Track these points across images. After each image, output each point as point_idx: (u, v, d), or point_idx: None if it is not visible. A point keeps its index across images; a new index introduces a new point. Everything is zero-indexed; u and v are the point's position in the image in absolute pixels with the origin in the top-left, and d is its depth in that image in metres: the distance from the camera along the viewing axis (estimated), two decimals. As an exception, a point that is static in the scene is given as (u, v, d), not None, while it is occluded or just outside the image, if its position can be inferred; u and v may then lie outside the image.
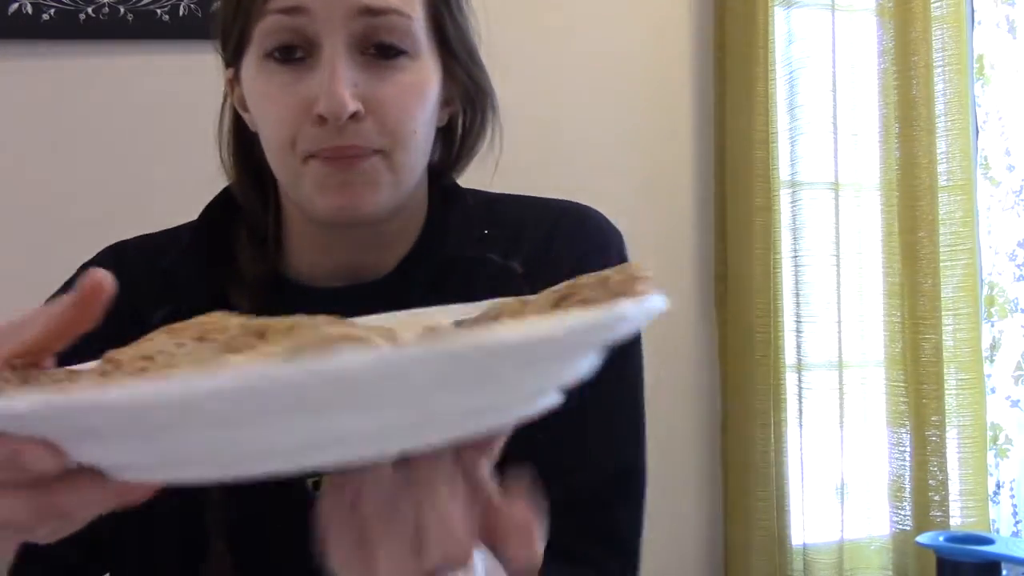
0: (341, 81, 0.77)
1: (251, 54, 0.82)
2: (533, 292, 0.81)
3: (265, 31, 0.79)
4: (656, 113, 1.96)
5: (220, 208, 0.90)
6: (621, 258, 0.90)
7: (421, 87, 0.82)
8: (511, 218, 0.92)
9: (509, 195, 0.95)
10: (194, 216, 0.90)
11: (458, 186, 0.93)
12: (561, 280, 0.81)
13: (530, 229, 0.91)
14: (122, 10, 1.69)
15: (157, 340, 0.55)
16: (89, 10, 1.68)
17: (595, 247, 0.90)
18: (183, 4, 1.71)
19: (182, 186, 1.73)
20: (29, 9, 1.66)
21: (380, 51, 0.80)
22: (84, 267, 0.90)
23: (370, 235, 0.85)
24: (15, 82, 1.69)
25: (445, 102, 0.87)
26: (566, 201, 0.95)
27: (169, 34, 1.71)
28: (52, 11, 1.67)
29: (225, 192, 0.92)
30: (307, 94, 0.78)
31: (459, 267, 0.87)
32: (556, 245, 0.90)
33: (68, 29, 1.68)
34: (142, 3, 1.70)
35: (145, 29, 1.70)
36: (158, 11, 1.71)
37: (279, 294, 0.87)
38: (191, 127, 1.72)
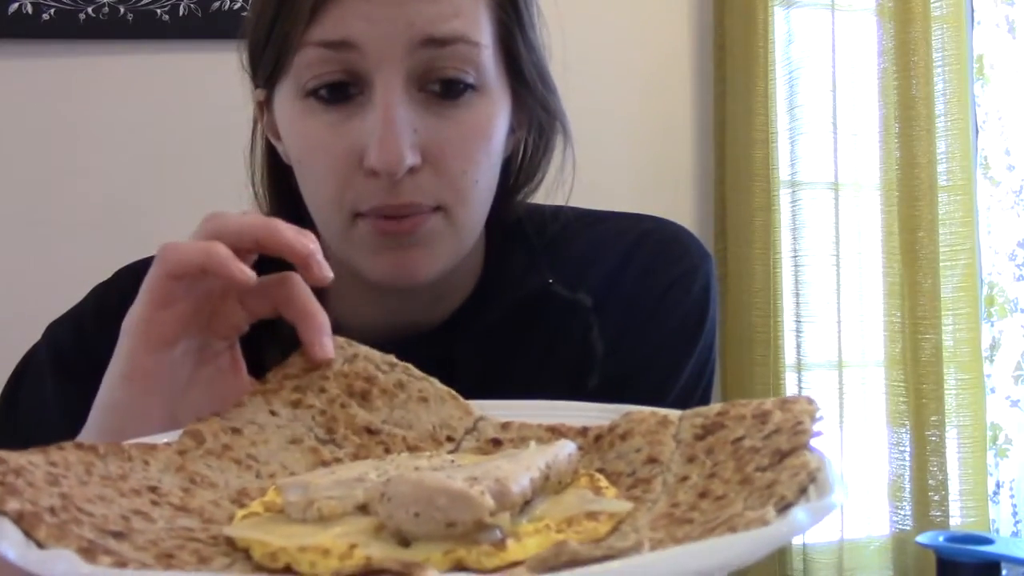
0: (397, 130, 0.66)
1: (287, 86, 0.70)
2: (604, 327, 0.77)
3: (305, 65, 0.67)
4: (656, 113, 1.96)
5: None
6: (706, 288, 0.80)
7: (487, 127, 0.70)
8: (579, 241, 0.81)
9: (577, 211, 0.83)
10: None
11: (520, 219, 0.81)
12: (636, 316, 0.78)
13: (601, 253, 0.80)
14: (122, 10, 1.69)
15: (249, 406, 0.54)
16: (89, 10, 1.68)
17: (678, 278, 0.79)
18: (183, 4, 1.71)
19: (183, 186, 1.73)
20: (29, 9, 1.66)
21: (443, 87, 0.68)
22: (99, 289, 0.84)
23: (424, 289, 0.75)
24: (15, 82, 1.70)
25: (511, 130, 0.75)
26: (645, 218, 0.84)
27: (169, 34, 1.71)
28: (52, 11, 1.67)
29: None
30: (356, 141, 0.67)
31: (519, 306, 0.78)
32: (632, 274, 0.79)
33: (68, 29, 1.68)
34: (142, 3, 1.70)
35: (145, 29, 1.70)
36: (158, 11, 1.71)
37: None
38: (191, 127, 1.73)
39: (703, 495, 0.43)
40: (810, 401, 0.47)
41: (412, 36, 0.66)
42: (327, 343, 0.57)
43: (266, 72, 0.72)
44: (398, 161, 0.65)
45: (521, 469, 0.42)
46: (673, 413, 0.51)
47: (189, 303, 0.58)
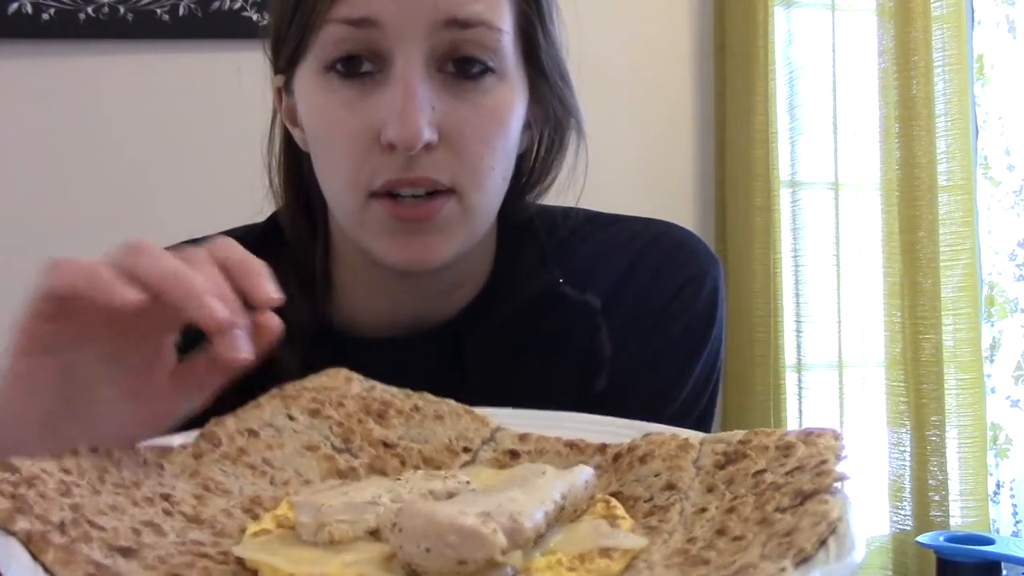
0: (417, 105, 0.66)
1: (308, 64, 0.71)
2: (612, 329, 0.78)
3: (327, 41, 0.68)
4: (656, 113, 1.96)
5: (265, 239, 0.79)
6: (714, 293, 0.81)
7: (505, 113, 0.71)
8: (589, 243, 0.81)
9: (587, 213, 0.84)
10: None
11: (531, 218, 0.81)
12: (644, 319, 0.79)
13: (611, 256, 0.81)
14: (122, 10, 1.69)
15: (267, 408, 0.54)
16: (89, 10, 1.68)
17: (686, 282, 0.80)
18: (183, 4, 1.71)
19: (182, 186, 1.74)
20: (29, 9, 1.66)
21: (461, 69, 0.69)
22: None
23: (434, 280, 0.75)
24: (15, 82, 1.70)
25: (526, 125, 0.76)
26: (655, 223, 0.84)
27: (169, 34, 1.71)
28: (52, 11, 1.67)
29: (271, 220, 0.81)
30: (374, 116, 0.67)
31: (528, 305, 0.78)
32: (641, 277, 0.80)
33: (68, 29, 1.68)
34: (142, 3, 1.70)
35: (145, 29, 1.70)
36: (158, 11, 1.71)
37: (328, 343, 0.76)
38: (191, 127, 1.73)
39: (720, 532, 0.42)
40: (836, 436, 0.46)
41: (436, 17, 0.66)
42: (238, 338, 0.50)
43: (289, 51, 0.72)
44: (416, 135, 0.65)
45: (535, 502, 0.41)
46: (694, 436, 0.50)
47: (81, 316, 0.53)
